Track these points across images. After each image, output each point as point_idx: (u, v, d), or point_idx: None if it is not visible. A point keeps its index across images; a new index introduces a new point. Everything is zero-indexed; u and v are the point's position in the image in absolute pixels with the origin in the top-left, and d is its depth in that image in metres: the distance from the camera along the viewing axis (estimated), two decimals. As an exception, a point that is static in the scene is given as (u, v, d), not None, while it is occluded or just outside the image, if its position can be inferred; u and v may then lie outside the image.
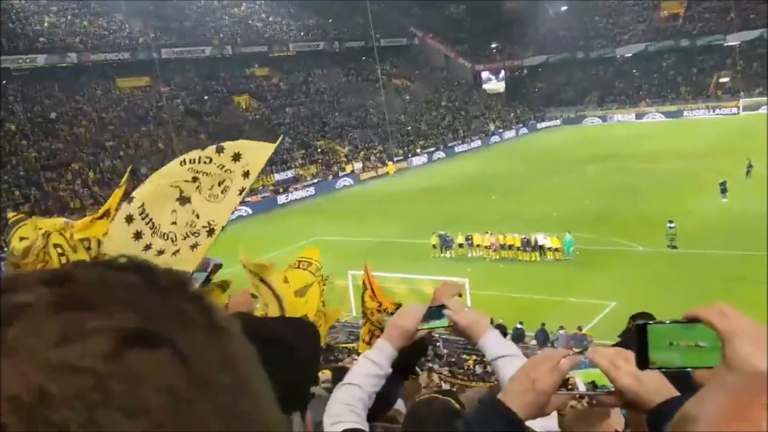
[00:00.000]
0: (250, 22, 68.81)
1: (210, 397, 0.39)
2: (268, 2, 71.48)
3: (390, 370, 2.01)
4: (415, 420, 2.36)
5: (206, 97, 58.39)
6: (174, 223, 3.49)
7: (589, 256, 25.87)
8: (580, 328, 19.50)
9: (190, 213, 3.50)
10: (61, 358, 0.38)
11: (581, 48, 75.60)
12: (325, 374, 4.77)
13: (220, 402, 0.40)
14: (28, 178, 40.99)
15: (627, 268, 24.01)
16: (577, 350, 12.43)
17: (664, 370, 1.31)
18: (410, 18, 76.93)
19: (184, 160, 3.52)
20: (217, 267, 3.77)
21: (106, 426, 0.35)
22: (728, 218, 27.85)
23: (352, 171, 51.45)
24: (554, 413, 2.03)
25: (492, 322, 17.67)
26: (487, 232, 28.02)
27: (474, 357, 18.00)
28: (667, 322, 1.30)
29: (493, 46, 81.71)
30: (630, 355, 1.41)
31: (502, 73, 79.26)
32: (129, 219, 3.46)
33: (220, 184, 3.51)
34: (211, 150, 3.55)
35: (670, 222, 25.81)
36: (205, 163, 3.50)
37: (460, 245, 28.29)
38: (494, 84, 78.96)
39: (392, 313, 3.57)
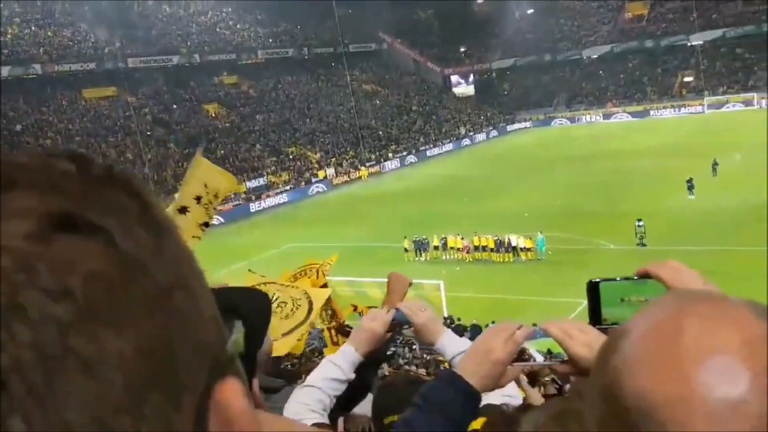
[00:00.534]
0: (217, 29, 68.33)
1: (141, 289, 0.38)
2: (236, 10, 71.10)
3: (353, 376, 2.03)
4: (382, 390, 2.42)
5: (174, 106, 57.74)
6: None
7: (561, 255, 26.12)
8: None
9: None
10: None
11: (548, 50, 76.38)
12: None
13: (152, 294, 0.38)
14: (-6, 191, 40.19)
15: (599, 266, 24.15)
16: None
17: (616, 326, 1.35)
18: (379, 23, 77.06)
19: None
20: None
21: (29, 307, 0.33)
22: (696, 215, 28.37)
23: (325, 177, 51.31)
24: (512, 384, 2.08)
25: (456, 323, 17.76)
26: (459, 235, 28.19)
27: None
28: (618, 279, 1.32)
29: (462, 50, 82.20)
30: (584, 325, 1.44)
31: (472, 76, 79.84)
32: None
33: None
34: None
35: (639, 220, 26.18)
36: None
37: (436, 248, 28.44)
38: (464, 88, 79.53)
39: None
